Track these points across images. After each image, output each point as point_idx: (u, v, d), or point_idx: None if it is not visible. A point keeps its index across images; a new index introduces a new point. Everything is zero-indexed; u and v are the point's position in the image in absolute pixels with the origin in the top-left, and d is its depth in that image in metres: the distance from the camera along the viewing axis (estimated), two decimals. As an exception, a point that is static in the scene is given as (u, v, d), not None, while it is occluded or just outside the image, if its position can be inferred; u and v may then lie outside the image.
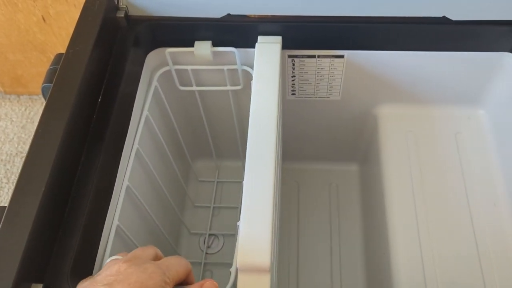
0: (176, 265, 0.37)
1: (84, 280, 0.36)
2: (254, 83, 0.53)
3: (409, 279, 0.56)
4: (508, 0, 0.53)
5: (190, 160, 0.80)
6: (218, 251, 0.79)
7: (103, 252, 0.45)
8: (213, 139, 0.78)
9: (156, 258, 0.38)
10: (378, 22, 0.57)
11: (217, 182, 0.86)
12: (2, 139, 1.03)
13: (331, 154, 0.83)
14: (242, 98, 0.69)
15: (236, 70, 0.62)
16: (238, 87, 0.65)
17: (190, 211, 0.83)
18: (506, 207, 0.60)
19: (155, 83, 0.60)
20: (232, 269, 0.44)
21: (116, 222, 0.48)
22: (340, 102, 0.70)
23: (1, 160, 1.00)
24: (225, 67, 0.62)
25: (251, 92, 0.52)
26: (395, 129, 0.68)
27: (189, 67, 0.62)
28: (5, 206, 0.41)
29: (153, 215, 0.60)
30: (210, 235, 0.80)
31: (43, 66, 1.00)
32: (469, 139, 0.66)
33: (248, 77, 0.62)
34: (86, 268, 0.43)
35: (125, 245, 0.52)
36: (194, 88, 0.66)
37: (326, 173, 0.85)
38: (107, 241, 0.46)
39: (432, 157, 0.65)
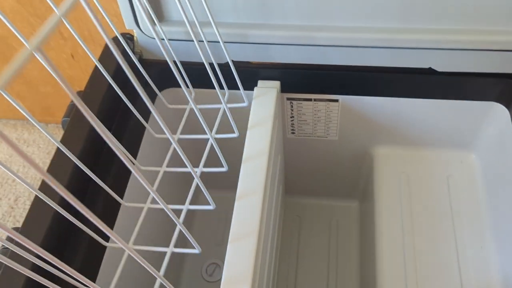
0: None
1: None
2: (250, 122, 0.58)
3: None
4: (490, 55, 0.57)
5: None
6: (219, 280, 0.83)
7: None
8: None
9: None
10: (369, 71, 0.61)
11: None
12: (28, 164, 1.11)
13: (333, 190, 0.87)
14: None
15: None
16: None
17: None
18: (493, 251, 0.62)
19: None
20: None
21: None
22: (337, 142, 0.74)
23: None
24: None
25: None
26: (390, 169, 0.71)
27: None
28: (19, 227, 0.47)
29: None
30: (212, 263, 0.84)
31: (69, 98, 1.08)
32: (460, 183, 0.68)
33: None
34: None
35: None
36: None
37: (327, 209, 0.88)
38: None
39: (423, 198, 0.68)
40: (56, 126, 1.19)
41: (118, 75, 0.60)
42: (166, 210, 0.35)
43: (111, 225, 0.52)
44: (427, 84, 0.62)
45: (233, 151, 0.76)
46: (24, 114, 0.38)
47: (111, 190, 0.45)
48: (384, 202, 0.68)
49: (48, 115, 1.17)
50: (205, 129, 0.45)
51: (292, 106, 0.68)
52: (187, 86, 0.64)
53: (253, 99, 0.61)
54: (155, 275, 0.33)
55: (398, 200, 0.68)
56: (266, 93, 0.61)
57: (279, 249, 0.82)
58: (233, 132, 0.53)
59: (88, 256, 0.48)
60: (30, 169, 1.10)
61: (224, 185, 0.87)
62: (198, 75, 0.65)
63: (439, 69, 0.59)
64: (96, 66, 0.63)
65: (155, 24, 0.59)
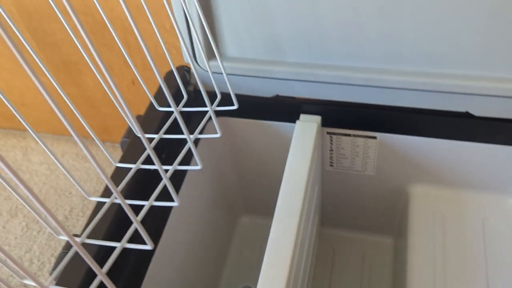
0: None
1: None
2: (290, 153, 0.62)
3: None
4: (527, 102, 0.58)
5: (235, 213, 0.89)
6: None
7: None
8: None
9: None
10: (407, 111, 0.64)
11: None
12: (84, 178, 1.20)
13: (368, 225, 0.88)
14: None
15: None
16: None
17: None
18: (526, 297, 0.61)
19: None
20: None
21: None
22: (374, 177, 0.76)
23: (81, 196, 1.16)
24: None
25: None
26: (425, 208, 0.72)
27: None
28: (77, 234, 0.53)
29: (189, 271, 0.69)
30: (245, 286, 0.87)
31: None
32: (496, 226, 0.69)
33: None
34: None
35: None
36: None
37: (361, 243, 0.90)
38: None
39: (457, 240, 0.68)
40: (111, 144, 1.28)
41: (174, 101, 0.67)
42: (124, 207, 0.35)
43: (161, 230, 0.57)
44: (464, 127, 0.64)
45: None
46: (24, 123, 0.41)
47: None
48: (417, 241, 0.69)
49: (106, 134, 1.26)
50: (184, 131, 0.47)
51: (331, 140, 0.72)
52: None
53: (294, 131, 0.65)
54: (96, 272, 0.33)
55: (432, 240, 0.69)
56: (307, 127, 0.66)
57: (312, 279, 0.84)
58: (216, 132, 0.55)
59: (136, 262, 0.53)
60: (86, 183, 1.19)
61: (263, 211, 0.91)
62: (247, 106, 0.71)
63: (476, 113, 0.61)
64: (155, 94, 0.70)
65: (209, 59, 0.65)
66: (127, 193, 0.55)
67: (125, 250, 0.51)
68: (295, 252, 0.53)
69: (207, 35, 0.63)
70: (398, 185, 0.76)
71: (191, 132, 0.61)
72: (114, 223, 0.53)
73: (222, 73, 0.67)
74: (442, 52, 0.57)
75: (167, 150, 0.64)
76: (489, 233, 0.68)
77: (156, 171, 0.57)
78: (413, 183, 0.75)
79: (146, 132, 0.63)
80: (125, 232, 0.42)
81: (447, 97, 0.61)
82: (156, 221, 0.58)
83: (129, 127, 0.69)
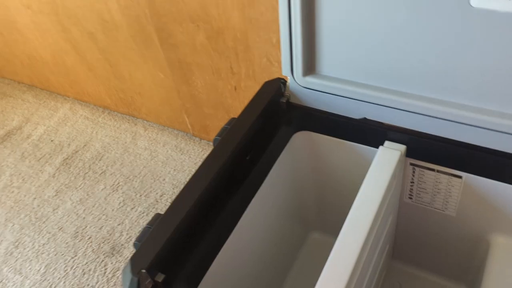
0: None
1: None
2: (367, 177, 0.63)
3: None
4: None
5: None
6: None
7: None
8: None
9: None
10: (500, 155, 0.62)
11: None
12: (178, 168, 1.31)
13: (441, 267, 0.84)
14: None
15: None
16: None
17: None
18: None
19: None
20: None
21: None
22: (454, 218, 0.73)
23: (172, 184, 1.27)
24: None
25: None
26: (504, 261, 0.68)
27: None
28: (161, 214, 0.59)
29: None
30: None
31: (225, 122, 1.26)
32: None
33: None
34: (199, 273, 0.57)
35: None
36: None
37: (431, 285, 0.86)
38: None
39: (537, 301, 0.63)
40: (207, 143, 1.38)
41: (265, 112, 0.72)
42: None
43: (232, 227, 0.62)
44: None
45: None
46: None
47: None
48: (490, 293, 0.65)
49: (204, 133, 1.37)
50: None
51: (414, 172, 0.71)
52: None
53: (375, 156, 0.66)
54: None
55: (508, 295, 0.65)
56: (390, 154, 0.66)
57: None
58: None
59: (201, 255, 0.59)
60: (179, 173, 1.30)
61: (334, 229, 0.92)
62: (334, 125, 0.73)
63: None
64: (250, 101, 0.75)
65: (305, 75, 0.69)
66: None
67: (191, 246, 0.57)
68: (353, 278, 0.54)
69: (306, 52, 0.67)
70: (479, 232, 0.72)
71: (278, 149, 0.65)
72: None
73: (313, 89, 0.71)
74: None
75: (254, 152, 0.69)
76: None
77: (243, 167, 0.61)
78: (495, 232, 0.71)
79: (239, 132, 0.68)
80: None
81: (547, 148, 0.58)
82: (228, 219, 0.63)
83: (224, 127, 0.75)
